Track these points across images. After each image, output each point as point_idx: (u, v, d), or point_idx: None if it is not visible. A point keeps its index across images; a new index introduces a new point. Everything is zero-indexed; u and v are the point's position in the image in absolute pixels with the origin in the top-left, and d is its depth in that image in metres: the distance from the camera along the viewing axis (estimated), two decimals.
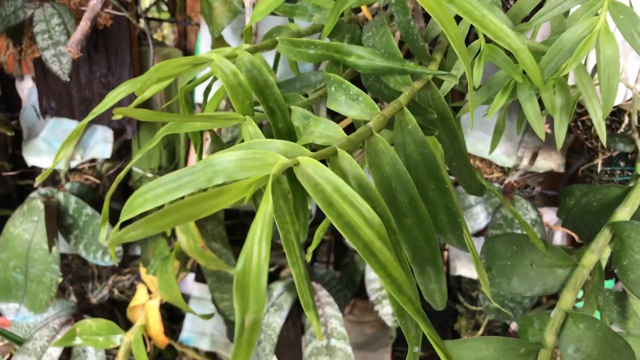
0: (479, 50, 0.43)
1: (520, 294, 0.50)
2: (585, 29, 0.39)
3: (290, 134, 0.41)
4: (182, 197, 0.28)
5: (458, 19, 0.43)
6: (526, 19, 0.48)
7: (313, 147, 0.38)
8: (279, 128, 0.41)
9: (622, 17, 0.38)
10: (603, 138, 0.43)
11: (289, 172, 0.32)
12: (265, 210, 0.26)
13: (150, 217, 0.25)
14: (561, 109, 0.43)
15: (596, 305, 0.51)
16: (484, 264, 0.57)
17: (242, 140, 0.44)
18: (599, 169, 0.66)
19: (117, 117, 0.34)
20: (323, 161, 0.34)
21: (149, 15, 0.92)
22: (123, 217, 0.33)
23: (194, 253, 0.63)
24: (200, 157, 0.50)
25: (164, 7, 0.96)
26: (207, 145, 0.63)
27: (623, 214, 0.46)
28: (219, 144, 0.49)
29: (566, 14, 0.44)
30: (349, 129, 0.49)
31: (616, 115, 0.60)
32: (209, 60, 0.40)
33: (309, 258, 0.55)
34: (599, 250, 0.47)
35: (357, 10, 0.53)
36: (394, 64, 0.41)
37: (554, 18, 0.43)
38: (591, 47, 0.40)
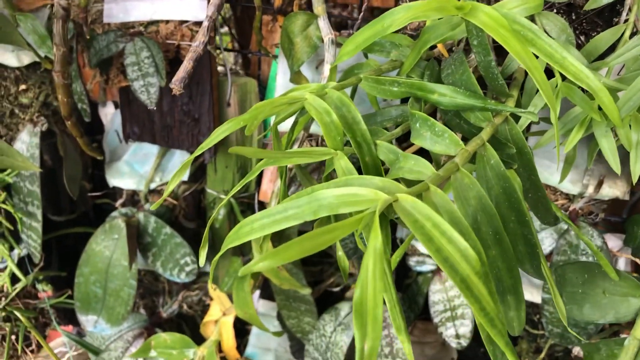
0: (556, 86, 0.46)
1: (592, 321, 0.51)
2: None
3: (376, 167, 0.44)
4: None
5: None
6: (599, 55, 0.50)
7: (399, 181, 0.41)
8: (366, 161, 0.43)
9: None
10: None
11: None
12: (375, 244, 0.28)
13: (276, 251, 0.28)
14: (637, 144, 0.45)
15: None
16: (557, 288, 0.58)
17: (329, 175, 0.47)
18: None
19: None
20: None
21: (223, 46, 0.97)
22: (227, 245, 0.36)
23: (270, 273, 0.67)
24: (284, 186, 0.54)
25: (224, 29, 1.01)
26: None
27: None
28: (303, 174, 0.52)
29: None
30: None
31: None
32: (303, 100, 0.44)
33: None
34: None
35: (433, 46, 0.56)
36: (475, 101, 0.43)
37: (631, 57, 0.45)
38: None
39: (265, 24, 0.75)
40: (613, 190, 0.70)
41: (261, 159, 0.43)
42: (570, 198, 0.72)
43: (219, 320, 0.77)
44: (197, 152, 0.41)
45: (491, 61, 0.44)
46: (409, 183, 0.39)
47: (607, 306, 0.50)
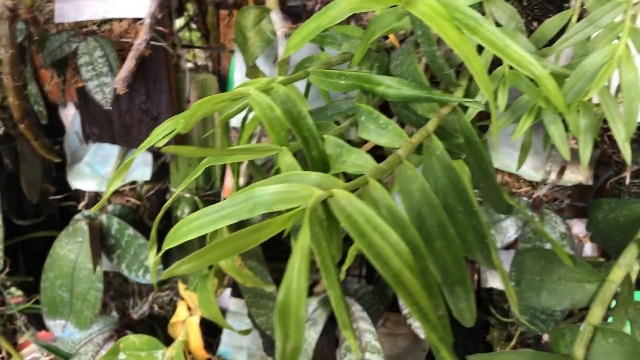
0: (503, 75, 0.45)
1: (549, 308, 0.51)
2: (606, 55, 0.40)
3: (323, 162, 0.43)
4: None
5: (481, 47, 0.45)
6: (550, 41, 0.50)
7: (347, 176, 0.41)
8: (313, 156, 0.43)
9: None
10: (628, 158, 0.44)
11: (324, 201, 0.34)
12: (303, 243, 0.28)
13: (200, 252, 0.27)
14: (585, 130, 0.45)
15: (626, 318, 0.52)
16: (514, 277, 0.58)
17: (278, 169, 0.46)
18: (628, 181, 0.67)
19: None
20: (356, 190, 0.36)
21: (181, 37, 0.95)
22: (166, 245, 0.35)
23: (232, 271, 0.66)
24: (237, 182, 0.53)
25: (194, 25, 1.00)
26: (243, 167, 0.66)
27: None
28: (255, 169, 0.51)
29: (588, 37, 0.45)
30: (375, 149, 0.52)
31: None
32: (247, 95, 0.43)
33: (342, 275, 0.57)
34: (627, 266, 0.48)
35: (385, 36, 0.55)
36: (421, 92, 0.43)
37: (577, 42, 0.45)
38: (613, 70, 0.41)
39: (223, 19, 0.74)
40: (576, 175, 0.70)
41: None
42: (533, 185, 0.71)
43: (185, 321, 0.76)
44: (135, 154, 0.40)
45: (435, 51, 0.43)
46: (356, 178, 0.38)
47: (563, 292, 0.50)
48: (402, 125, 0.49)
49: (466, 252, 0.43)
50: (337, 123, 0.52)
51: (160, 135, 0.41)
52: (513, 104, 0.47)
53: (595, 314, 0.48)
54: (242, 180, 0.65)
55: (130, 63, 0.45)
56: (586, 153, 0.45)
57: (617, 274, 0.48)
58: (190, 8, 0.92)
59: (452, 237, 0.38)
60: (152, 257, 0.44)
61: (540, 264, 0.52)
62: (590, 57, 0.41)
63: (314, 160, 0.43)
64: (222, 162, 0.40)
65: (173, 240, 0.34)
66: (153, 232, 0.48)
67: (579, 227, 0.76)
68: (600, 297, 0.47)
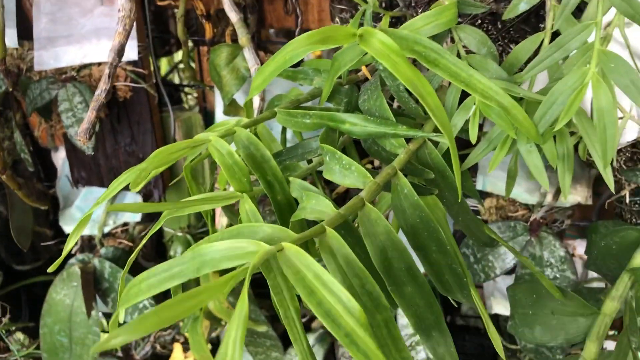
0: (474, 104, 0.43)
1: (545, 343, 0.48)
2: (576, 81, 0.38)
3: (289, 205, 0.42)
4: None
5: None
6: (526, 63, 0.48)
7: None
8: (278, 200, 0.41)
9: (614, 66, 0.38)
10: (611, 185, 0.42)
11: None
12: (241, 310, 0.26)
13: (131, 324, 0.26)
14: (563, 158, 0.43)
15: (629, 347, 0.49)
16: (510, 309, 0.56)
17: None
18: (627, 199, 0.64)
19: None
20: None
21: (172, 80, 0.95)
22: (121, 306, 0.34)
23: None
24: (213, 225, 0.52)
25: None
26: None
27: None
28: (228, 212, 0.50)
29: (566, 57, 0.43)
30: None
31: (637, 147, 0.58)
32: (206, 141, 0.42)
33: None
34: (620, 297, 0.45)
35: (358, 70, 0.54)
36: (386, 128, 0.41)
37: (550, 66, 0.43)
38: (583, 97, 0.39)
39: (204, 55, 0.74)
40: (573, 196, 0.67)
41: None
42: (530, 208, 0.69)
43: None
44: (94, 207, 0.39)
45: (399, 85, 0.42)
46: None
47: (556, 327, 0.47)
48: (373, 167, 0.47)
49: (444, 292, 0.41)
50: (310, 161, 0.50)
51: (117, 188, 0.40)
52: (488, 133, 0.45)
53: (590, 350, 0.45)
54: (224, 220, 0.64)
55: (90, 115, 0.44)
56: (566, 182, 0.43)
57: (609, 307, 0.45)
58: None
59: (422, 281, 0.36)
60: (121, 316, 0.43)
61: (531, 297, 0.49)
62: (560, 83, 0.39)
63: (279, 205, 0.41)
64: (179, 213, 0.39)
65: (126, 301, 0.33)
66: (121, 288, 0.47)
67: (583, 248, 0.73)
68: (594, 332, 0.45)
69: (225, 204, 0.39)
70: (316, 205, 0.37)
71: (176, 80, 1.04)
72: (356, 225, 0.39)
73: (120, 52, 0.46)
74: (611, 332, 0.55)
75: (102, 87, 0.45)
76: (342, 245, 0.33)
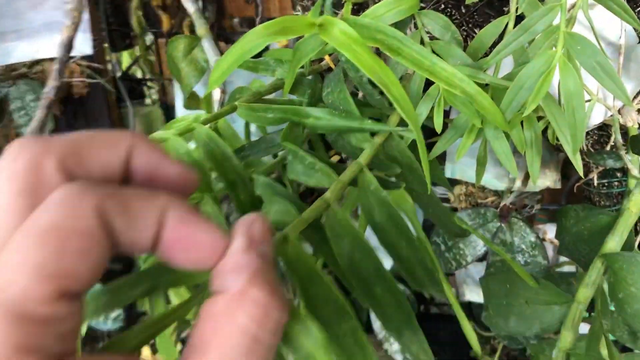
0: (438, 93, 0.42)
1: (520, 333, 0.48)
2: (543, 64, 0.37)
3: (254, 205, 0.40)
4: None
5: None
6: (491, 47, 0.46)
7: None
8: (241, 200, 0.40)
9: (580, 49, 0.37)
10: (580, 170, 0.41)
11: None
12: None
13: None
14: (531, 144, 0.42)
15: (602, 331, 0.49)
16: (484, 300, 0.55)
17: None
18: (596, 182, 0.64)
19: None
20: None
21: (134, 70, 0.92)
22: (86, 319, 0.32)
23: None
24: None
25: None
26: None
27: (613, 243, 0.44)
28: None
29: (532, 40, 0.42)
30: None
31: (604, 129, 0.58)
32: (164, 140, 0.40)
33: None
34: (593, 284, 0.45)
35: (321, 59, 0.52)
36: (351, 122, 0.40)
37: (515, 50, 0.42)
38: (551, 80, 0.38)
39: (162, 47, 0.71)
40: (542, 181, 0.67)
41: None
42: (499, 194, 0.68)
43: None
44: None
45: (362, 76, 0.40)
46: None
47: (531, 317, 0.47)
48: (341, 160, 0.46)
49: (416, 287, 0.40)
50: (276, 155, 0.48)
51: None
52: (454, 120, 0.44)
53: (566, 338, 0.45)
54: None
55: (40, 113, 0.42)
56: (535, 168, 0.42)
57: (583, 294, 0.45)
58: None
59: (391, 281, 0.35)
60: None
61: (505, 287, 0.49)
62: (527, 67, 0.38)
63: (242, 204, 0.40)
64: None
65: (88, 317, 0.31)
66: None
67: (553, 232, 0.72)
68: (569, 320, 0.44)
69: None
70: (279, 210, 0.35)
71: (139, 74, 1.01)
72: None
73: (68, 46, 0.43)
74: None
75: (52, 84, 0.43)
76: (304, 254, 0.31)
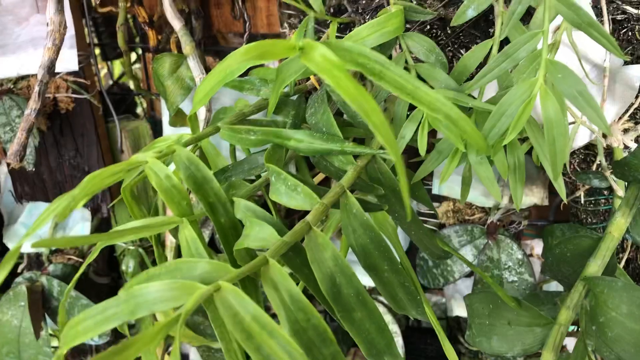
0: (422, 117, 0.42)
1: (501, 354, 0.48)
2: (525, 92, 0.37)
3: (234, 228, 0.40)
4: None
5: None
6: (477, 69, 0.46)
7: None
8: (222, 223, 0.39)
9: (561, 77, 0.37)
10: (563, 195, 0.41)
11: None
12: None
13: None
14: (514, 169, 0.42)
15: (586, 352, 0.49)
16: (468, 319, 0.55)
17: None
18: (582, 200, 0.64)
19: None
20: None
21: (117, 89, 0.92)
22: (63, 347, 0.32)
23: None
24: (158, 246, 0.49)
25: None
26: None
27: (595, 267, 0.44)
28: (176, 233, 0.48)
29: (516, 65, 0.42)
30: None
31: (590, 148, 0.58)
32: (142, 163, 0.39)
33: None
34: (575, 307, 0.44)
35: (307, 79, 0.52)
36: (333, 145, 0.39)
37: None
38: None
39: (150, 62, 0.71)
40: (529, 198, 0.67)
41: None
42: (486, 211, 0.68)
43: None
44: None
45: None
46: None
47: (513, 338, 0.47)
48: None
49: (398, 310, 0.40)
50: (259, 176, 0.48)
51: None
52: (438, 144, 0.44)
53: None
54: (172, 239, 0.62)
55: (20, 136, 0.41)
56: (519, 193, 0.42)
57: (565, 316, 0.45)
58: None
59: (372, 306, 0.35)
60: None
61: (488, 307, 0.48)
62: (509, 94, 0.38)
63: (223, 228, 0.39)
64: (114, 242, 0.37)
65: (66, 343, 0.31)
66: (61, 317, 0.44)
67: (541, 247, 0.72)
68: (550, 342, 0.44)
69: (163, 230, 0.37)
70: (259, 233, 0.35)
71: (131, 84, 1.00)
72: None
73: (50, 68, 0.43)
74: (571, 328, 0.55)
75: (32, 106, 0.42)
76: (286, 278, 0.31)
